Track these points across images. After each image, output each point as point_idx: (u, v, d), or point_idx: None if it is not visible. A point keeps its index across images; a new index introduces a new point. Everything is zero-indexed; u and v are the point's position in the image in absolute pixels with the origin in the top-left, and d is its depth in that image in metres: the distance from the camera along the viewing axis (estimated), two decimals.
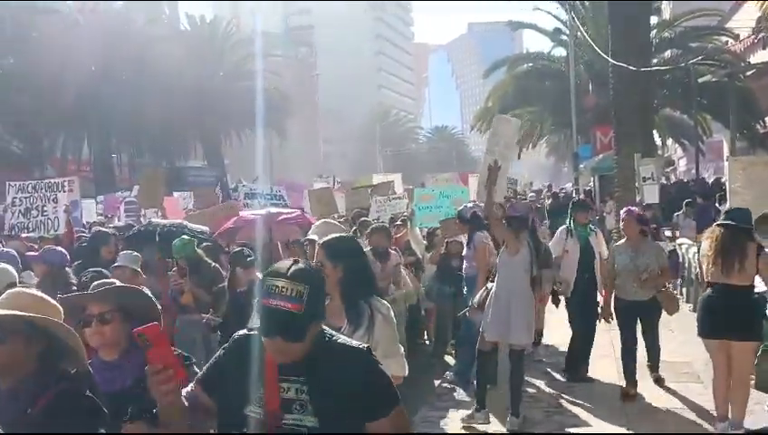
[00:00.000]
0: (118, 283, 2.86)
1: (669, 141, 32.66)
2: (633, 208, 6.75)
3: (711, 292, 5.23)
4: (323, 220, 3.93)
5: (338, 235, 3.44)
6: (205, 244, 5.72)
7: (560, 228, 7.21)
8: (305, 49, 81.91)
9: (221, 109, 35.83)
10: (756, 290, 5.19)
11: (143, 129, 31.79)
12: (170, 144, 35.75)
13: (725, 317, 5.05)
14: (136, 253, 5.12)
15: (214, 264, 5.51)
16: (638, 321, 6.45)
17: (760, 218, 2.74)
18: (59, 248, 5.27)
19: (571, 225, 6.99)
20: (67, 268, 5.07)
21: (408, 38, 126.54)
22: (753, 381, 5.63)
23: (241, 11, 66.67)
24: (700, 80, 21.64)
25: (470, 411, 5.71)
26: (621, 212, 6.81)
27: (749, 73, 19.99)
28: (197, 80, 33.78)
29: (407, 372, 3.06)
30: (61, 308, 2.22)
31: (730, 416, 5.19)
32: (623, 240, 6.56)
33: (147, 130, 31.99)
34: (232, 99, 36.22)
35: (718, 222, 5.32)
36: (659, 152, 28.08)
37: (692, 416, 5.77)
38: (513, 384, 5.63)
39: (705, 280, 5.28)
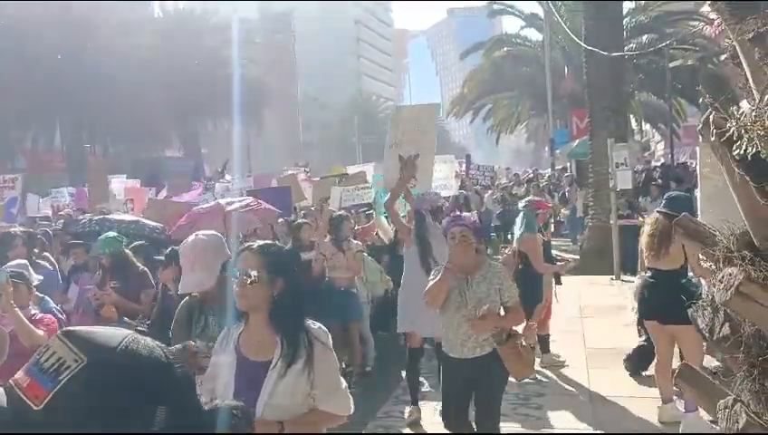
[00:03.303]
0: None
1: (648, 126, 32.87)
2: (463, 215, 4.56)
3: (647, 276, 5.41)
4: (207, 232, 3.49)
5: (271, 242, 2.87)
6: (135, 243, 5.38)
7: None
8: (284, 35, 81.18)
9: (197, 97, 35.42)
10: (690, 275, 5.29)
11: (117, 118, 31.36)
12: (145, 133, 35.30)
13: (659, 300, 5.19)
14: (24, 260, 4.84)
15: (142, 267, 5.16)
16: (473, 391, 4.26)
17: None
18: None
19: None
20: None
21: (387, 24, 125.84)
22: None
23: None
24: (671, 64, 21.71)
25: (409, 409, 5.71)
26: (444, 222, 4.53)
27: (723, 57, 20.05)
28: (172, 67, 33.31)
29: (352, 410, 2.61)
30: None
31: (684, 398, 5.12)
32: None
33: (121, 119, 31.55)
34: (208, 86, 35.83)
35: (658, 209, 5.44)
36: (636, 137, 28.20)
37: (654, 402, 5.72)
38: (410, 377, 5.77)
39: (645, 265, 5.45)
